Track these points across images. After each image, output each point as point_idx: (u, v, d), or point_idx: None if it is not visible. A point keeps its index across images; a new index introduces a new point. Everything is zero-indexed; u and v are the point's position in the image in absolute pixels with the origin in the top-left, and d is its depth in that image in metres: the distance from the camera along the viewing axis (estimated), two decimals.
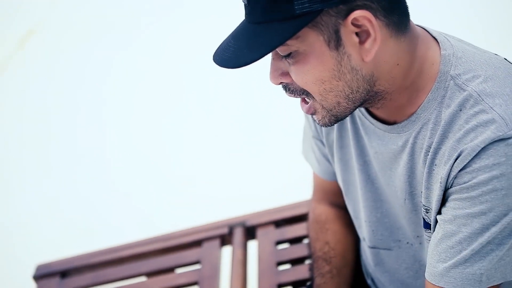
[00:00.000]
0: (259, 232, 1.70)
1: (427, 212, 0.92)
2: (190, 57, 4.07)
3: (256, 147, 3.07)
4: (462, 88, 0.84)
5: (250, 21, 0.82)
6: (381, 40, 0.81)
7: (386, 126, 0.94)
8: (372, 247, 1.12)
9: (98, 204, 3.03)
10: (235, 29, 0.86)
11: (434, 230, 0.91)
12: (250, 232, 1.72)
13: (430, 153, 0.88)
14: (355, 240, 1.24)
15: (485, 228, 0.81)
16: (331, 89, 0.84)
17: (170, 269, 1.73)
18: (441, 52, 0.88)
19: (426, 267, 0.91)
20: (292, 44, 0.81)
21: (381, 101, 0.89)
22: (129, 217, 2.85)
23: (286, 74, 0.87)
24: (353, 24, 0.79)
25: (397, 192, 0.99)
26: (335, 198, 1.25)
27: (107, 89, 4.07)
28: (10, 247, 2.85)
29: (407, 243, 1.05)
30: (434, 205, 0.90)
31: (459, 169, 0.82)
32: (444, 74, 0.86)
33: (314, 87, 0.84)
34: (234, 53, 0.82)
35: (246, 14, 0.83)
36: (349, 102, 0.86)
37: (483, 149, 0.79)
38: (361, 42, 0.81)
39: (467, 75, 0.85)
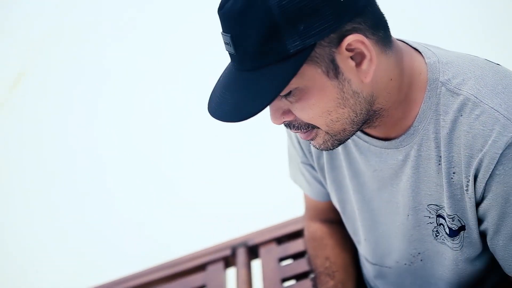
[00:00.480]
0: (262, 251, 1.70)
1: (453, 220, 0.92)
2: (189, 58, 4.09)
3: (253, 166, 3.08)
4: (455, 93, 0.84)
5: (241, 69, 0.80)
6: (375, 58, 0.81)
7: (383, 142, 0.94)
8: (374, 264, 1.13)
9: (104, 235, 3.03)
10: (225, 79, 0.83)
11: (474, 231, 0.92)
12: (253, 251, 1.73)
13: (443, 163, 0.88)
14: (354, 252, 1.25)
15: None
16: (337, 118, 0.83)
17: None
18: (426, 61, 0.88)
19: (505, 267, 0.91)
20: (292, 83, 0.79)
21: (379, 119, 0.89)
22: (131, 247, 2.85)
23: (288, 112, 0.85)
24: (347, 49, 0.78)
25: (399, 209, 0.98)
26: (327, 215, 1.26)
27: (106, 121, 4.09)
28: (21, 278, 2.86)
29: (405, 264, 1.06)
30: (468, 212, 0.89)
31: (486, 179, 0.83)
32: (434, 81, 0.86)
33: (321, 119, 0.83)
34: (235, 105, 0.79)
35: (234, 62, 0.81)
36: (354, 126, 0.86)
37: (502, 154, 0.80)
38: (358, 65, 0.80)
39: (457, 79, 0.85)
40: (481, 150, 0.82)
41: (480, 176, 0.84)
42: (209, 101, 0.84)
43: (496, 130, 0.80)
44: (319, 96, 0.80)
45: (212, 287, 1.66)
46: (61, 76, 4.53)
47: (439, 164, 0.89)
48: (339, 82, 0.80)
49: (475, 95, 0.82)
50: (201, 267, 1.76)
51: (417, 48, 0.91)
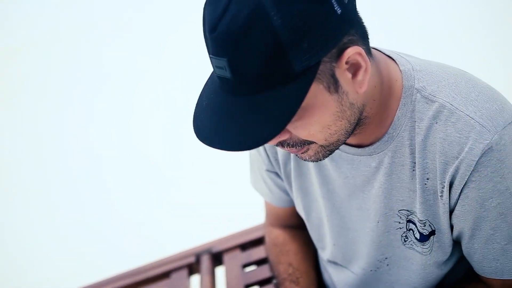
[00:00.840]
0: (226, 257, 1.71)
1: (424, 225, 0.93)
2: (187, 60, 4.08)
3: (215, 171, 3.08)
4: (430, 100, 0.85)
5: (236, 94, 0.75)
6: (369, 68, 0.80)
7: (355, 149, 0.94)
8: (344, 266, 1.13)
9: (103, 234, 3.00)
10: (216, 104, 0.78)
11: (446, 236, 0.93)
12: (217, 258, 1.73)
13: (417, 169, 0.88)
14: (315, 257, 1.26)
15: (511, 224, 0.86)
16: (335, 131, 0.82)
17: None
18: (400, 68, 0.89)
19: (479, 269, 0.93)
20: None
21: (361, 127, 0.88)
22: (93, 256, 2.82)
23: (284, 131, 0.81)
24: (346, 62, 0.77)
25: (370, 215, 0.99)
26: (289, 221, 1.26)
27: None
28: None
29: (371, 270, 1.07)
30: (441, 217, 0.90)
31: (462, 186, 0.84)
32: (409, 88, 0.87)
33: (320, 134, 0.82)
34: (242, 132, 0.74)
35: (228, 87, 0.75)
36: (346, 136, 0.85)
37: (478, 162, 0.81)
38: (353, 76, 0.79)
39: (432, 86, 0.86)
40: (457, 157, 0.83)
41: (456, 182, 0.85)
42: (197, 128, 0.79)
43: (472, 137, 0.81)
44: (321, 112, 0.78)
45: None
46: (60, 76, 4.48)
47: (413, 170, 0.89)
48: (338, 96, 0.78)
49: (450, 103, 0.84)
50: (165, 275, 1.75)
51: (391, 55, 0.92)
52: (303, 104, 0.75)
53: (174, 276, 1.73)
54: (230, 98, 0.75)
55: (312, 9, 0.70)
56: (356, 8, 0.79)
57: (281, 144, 0.84)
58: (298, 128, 0.80)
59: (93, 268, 2.66)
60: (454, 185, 0.86)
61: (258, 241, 1.72)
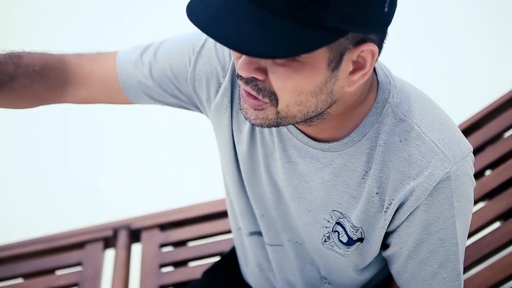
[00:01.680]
0: (144, 235, 1.71)
1: (356, 231, 0.95)
2: None
3: (144, 151, 3.06)
4: (400, 118, 0.86)
5: (263, 7, 0.70)
6: (368, 75, 0.80)
7: (308, 139, 0.93)
8: (267, 243, 1.12)
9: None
10: (228, 2, 0.72)
11: (373, 246, 0.96)
12: (134, 235, 1.74)
13: (370, 179, 0.90)
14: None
15: (451, 253, 0.91)
16: (301, 102, 0.79)
17: (50, 271, 1.70)
18: (378, 79, 0.89)
19: (404, 285, 0.97)
20: None
21: (319, 120, 0.86)
22: (8, 217, 2.74)
23: (262, 70, 0.77)
24: (357, 55, 0.76)
25: (303, 203, 0.99)
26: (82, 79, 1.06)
27: None
28: None
29: (296, 242, 1.07)
30: (376, 230, 0.93)
31: (413, 208, 0.87)
32: (382, 101, 0.87)
33: (289, 96, 0.78)
34: (246, 36, 0.70)
35: None
36: (302, 118, 0.82)
37: (434, 188, 0.84)
38: (351, 72, 0.79)
39: (404, 105, 0.87)
40: (415, 179, 0.85)
41: (408, 203, 0.87)
42: (192, 9, 0.73)
43: (433, 163, 0.84)
44: (307, 75, 0.76)
45: (88, 267, 1.65)
46: None
47: (363, 178, 0.91)
48: (330, 76, 0.77)
49: (418, 125, 0.86)
50: (80, 245, 1.74)
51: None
52: (300, 58, 0.74)
53: (89, 247, 1.72)
54: (251, 8, 0.71)
55: None
56: (391, 21, 0.79)
57: (249, 82, 0.79)
58: (278, 75, 0.76)
59: (6, 230, 2.59)
60: (404, 206, 0.88)
61: (178, 223, 1.74)
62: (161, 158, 2.95)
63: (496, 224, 1.44)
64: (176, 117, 2.67)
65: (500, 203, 1.45)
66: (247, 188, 1.06)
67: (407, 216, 0.89)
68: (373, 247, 0.97)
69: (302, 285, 1.12)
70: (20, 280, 1.71)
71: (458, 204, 0.88)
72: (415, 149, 0.86)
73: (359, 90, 0.85)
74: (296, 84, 0.76)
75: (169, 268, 1.62)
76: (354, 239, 0.96)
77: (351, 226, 0.95)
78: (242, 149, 1.02)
